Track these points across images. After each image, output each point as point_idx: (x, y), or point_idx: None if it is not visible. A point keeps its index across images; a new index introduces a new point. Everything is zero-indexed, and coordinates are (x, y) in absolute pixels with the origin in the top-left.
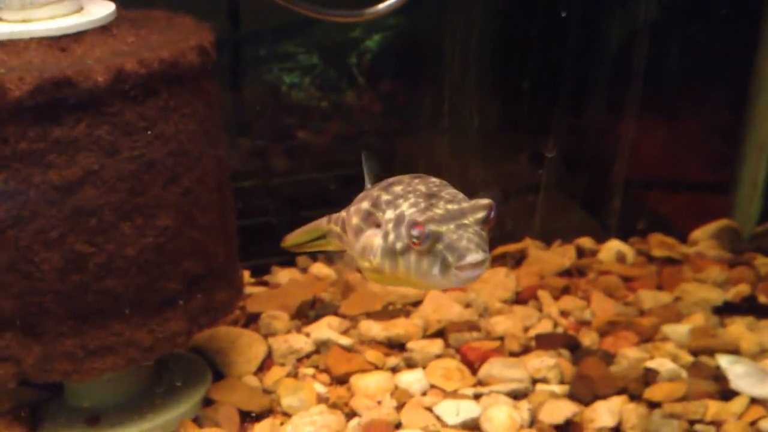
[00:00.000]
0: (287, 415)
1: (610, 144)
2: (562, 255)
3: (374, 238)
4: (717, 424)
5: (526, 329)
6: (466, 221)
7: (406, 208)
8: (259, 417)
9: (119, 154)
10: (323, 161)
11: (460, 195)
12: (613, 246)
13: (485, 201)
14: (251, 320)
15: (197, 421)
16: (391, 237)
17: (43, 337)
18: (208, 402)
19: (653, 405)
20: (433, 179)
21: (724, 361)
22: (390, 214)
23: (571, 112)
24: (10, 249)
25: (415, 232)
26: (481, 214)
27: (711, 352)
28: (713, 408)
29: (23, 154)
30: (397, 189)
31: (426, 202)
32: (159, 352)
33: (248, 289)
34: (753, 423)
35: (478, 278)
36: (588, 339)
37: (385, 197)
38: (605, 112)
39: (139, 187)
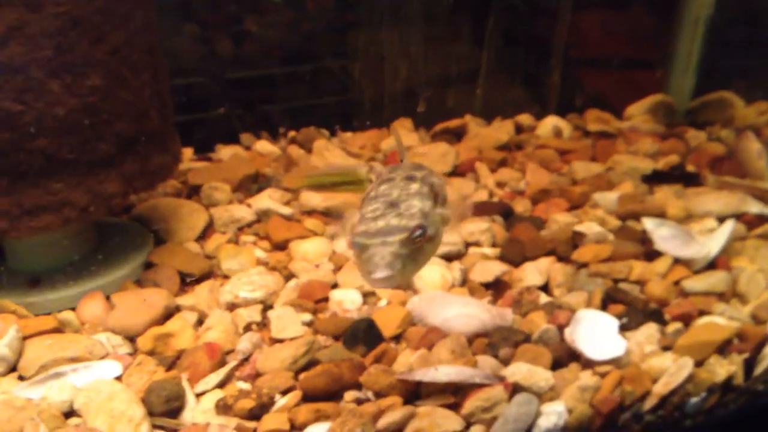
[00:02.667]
0: (227, 277)
1: (549, 24)
2: (501, 130)
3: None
4: (641, 283)
5: (464, 199)
6: (390, 239)
7: (365, 212)
8: (199, 279)
9: (43, 10)
10: (275, 55)
11: (415, 208)
12: (551, 122)
13: (414, 224)
14: (193, 192)
15: (138, 282)
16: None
17: None
18: (149, 265)
19: (580, 265)
20: (417, 177)
21: (649, 224)
22: (363, 210)
23: None
24: None
25: (351, 239)
26: (404, 236)
27: (638, 217)
28: (638, 268)
29: None
30: (381, 188)
31: (381, 212)
32: (95, 213)
33: (191, 164)
34: (676, 282)
35: (396, 285)
36: (521, 206)
37: (371, 193)
38: None
39: (66, 45)
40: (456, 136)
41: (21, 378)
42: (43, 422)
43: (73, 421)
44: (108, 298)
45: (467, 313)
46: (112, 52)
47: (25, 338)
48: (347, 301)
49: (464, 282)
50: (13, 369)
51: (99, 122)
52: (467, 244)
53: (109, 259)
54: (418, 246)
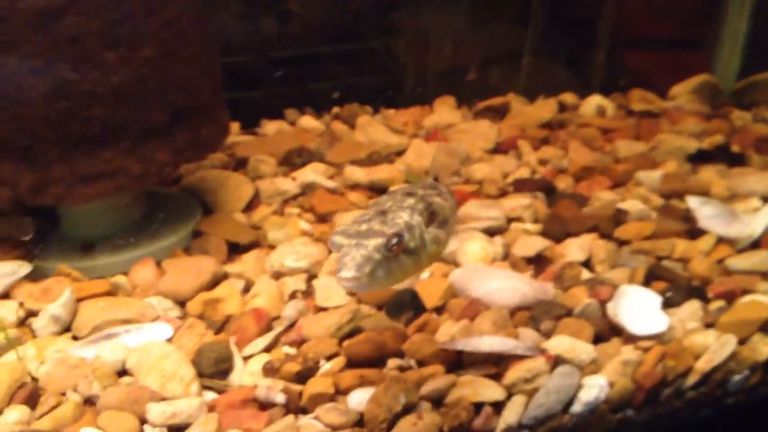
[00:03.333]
0: (272, 247)
1: (594, 4)
2: (544, 109)
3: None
4: (684, 260)
5: (505, 176)
6: (365, 242)
7: (356, 217)
8: (246, 248)
9: None
10: (319, 33)
11: (400, 219)
12: (594, 101)
13: (392, 231)
14: (240, 165)
15: (187, 250)
16: None
17: (35, 163)
18: (197, 234)
19: (622, 243)
20: (417, 194)
21: (693, 202)
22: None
23: None
24: None
25: (331, 237)
26: (379, 241)
27: (681, 196)
28: (681, 246)
29: None
30: (381, 198)
31: (368, 217)
32: (147, 181)
33: (237, 138)
34: (720, 261)
35: (365, 290)
36: (563, 183)
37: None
38: None
39: (121, 17)
40: (499, 113)
41: (75, 338)
42: (97, 380)
43: (126, 379)
44: (158, 264)
45: (509, 286)
46: (164, 25)
47: (78, 300)
48: None
49: (506, 256)
50: (67, 329)
51: (151, 93)
52: (509, 220)
53: (159, 228)
54: (393, 255)
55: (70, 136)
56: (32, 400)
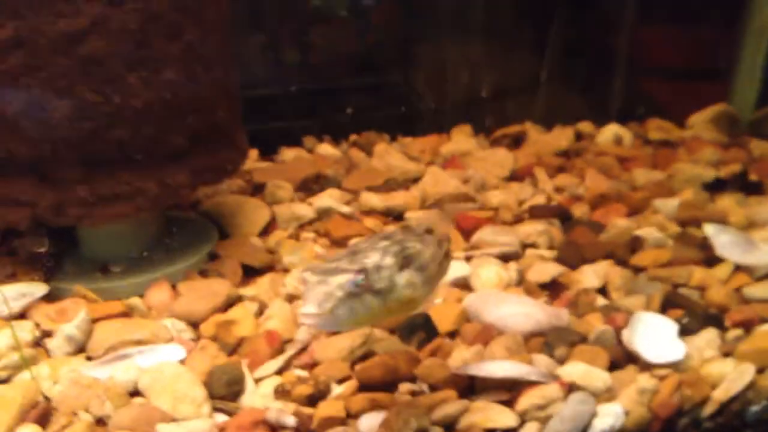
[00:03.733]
0: (287, 270)
1: (612, 34)
2: (561, 137)
3: None
4: (701, 288)
5: (521, 203)
6: (330, 279)
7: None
8: (261, 271)
9: (124, 6)
10: (339, 65)
11: (369, 259)
12: (611, 130)
13: (355, 268)
14: (257, 190)
15: (203, 273)
16: None
17: (57, 184)
18: (213, 257)
19: (639, 270)
20: (394, 238)
21: (710, 229)
22: None
23: (574, 3)
24: (23, 95)
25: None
26: (343, 278)
27: (699, 224)
28: (698, 274)
29: (34, 3)
30: (359, 241)
31: (340, 257)
32: (165, 202)
33: (255, 164)
34: (738, 289)
35: (328, 328)
36: (579, 211)
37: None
38: (606, 4)
39: (144, 40)
40: (515, 141)
41: (89, 358)
42: (109, 400)
43: (138, 400)
44: (174, 286)
45: (523, 312)
46: (186, 49)
47: (94, 321)
48: None
49: (520, 282)
50: (81, 350)
51: (172, 116)
52: (524, 246)
53: (175, 250)
54: (358, 294)
55: (91, 157)
56: (44, 420)
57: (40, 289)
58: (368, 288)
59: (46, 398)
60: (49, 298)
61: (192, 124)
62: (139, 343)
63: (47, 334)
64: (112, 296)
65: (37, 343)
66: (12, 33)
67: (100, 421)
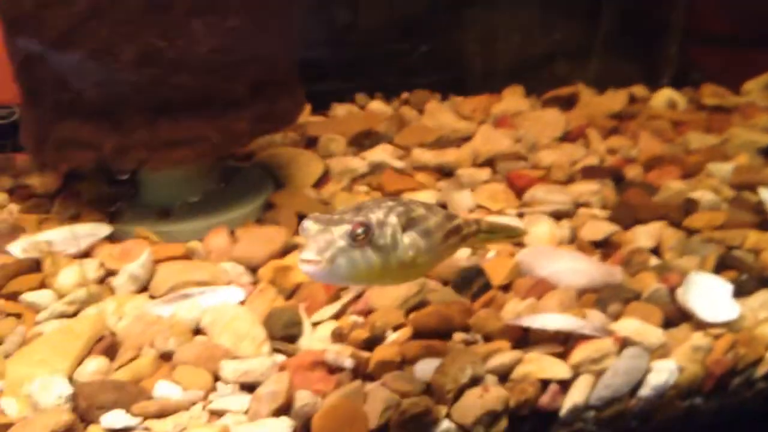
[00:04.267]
0: None
1: (667, 1)
2: (614, 100)
3: None
4: (756, 251)
5: (573, 163)
6: (333, 228)
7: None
8: None
9: None
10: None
11: (372, 214)
12: (665, 94)
13: (358, 219)
14: (310, 144)
15: (259, 221)
16: None
17: (121, 127)
18: (269, 206)
19: (692, 231)
20: (400, 201)
21: (765, 193)
22: None
23: None
24: (91, 38)
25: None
26: (345, 227)
27: (753, 188)
28: (753, 237)
29: None
30: (366, 200)
31: (346, 210)
32: (225, 149)
33: (308, 119)
34: None
35: (325, 279)
36: (633, 172)
37: None
38: None
39: None
40: (567, 103)
41: (152, 297)
42: (173, 336)
43: (199, 338)
44: (232, 232)
45: (576, 268)
46: None
47: (156, 262)
48: None
49: (573, 240)
50: (144, 288)
51: (235, 63)
52: (577, 205)
53: (233, 198)
54: (359, 245)
55: (154, 102)
56: (111, 352)
57: (104, 229)
58: (370, 242)
59: (112, 333)
60: (112, 238)
61: (253, 73)
62: (200, 284)
63: (111, 272)
64: (172, 240)
65: (102, 281)
66: None
67: (164, 356)
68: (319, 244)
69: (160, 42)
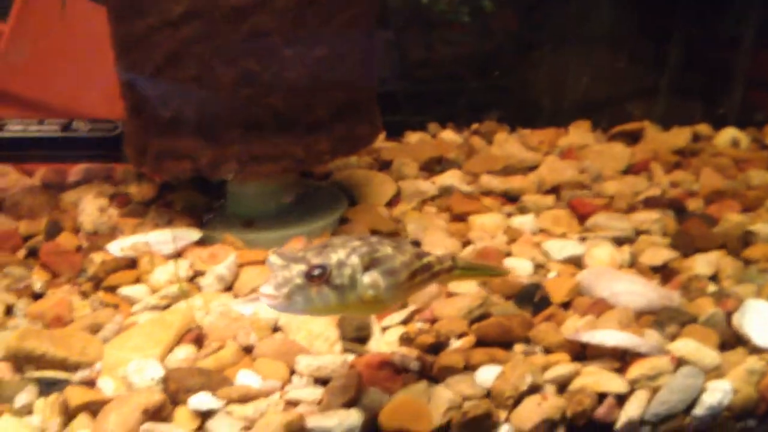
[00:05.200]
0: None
1: (732, 45)
2: (678, 136)
3: None
4: None
5: (636, 194)
6: (293, 265)
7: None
8: (387, 236)
9: None
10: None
11: (333, 254)
12: (729, 133)
13: (315, 261)
14: (384, 167)
15: (335, 234)
16: None
17: (217, 142)
18: (344, 221)
19: (750, 262)
20: (368, 240)
21: None
22: None
23: (696, 16)
24: (194, 62)
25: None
26: (302, 267)
27: None
28: None
29: None
30: (334, 238)
31: (313, 247)
32: (308, 165)
33: (383, 144)
34: None
35: (284, 310)
36: (694, 204)
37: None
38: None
39: (302, 19)
40: (632, 138)
41: (235, 296)
42: (254, 332)
43: (278, 335)
44: (310, 242)
45: (635, 290)
46: (337, 30)
47: (240, 265)
48: (520, 268)
49: (632, 264)
50: (229, 288)
51: (320, 89)
52: (637, 232)
53: (311, 212)
54: (316, 285)
55: (248, 120)
56: (198, 343)
57: (194, 234)
58: (326, 281)
59: (199, 326)
60: (201, 243)
61: (335, 98)
62: None
63: (199, 273)
64: (255, 246)
65: (191, 281)
66: (190, 5)
67: (246, 349)
68: (278, 280)
69: (256, 66)
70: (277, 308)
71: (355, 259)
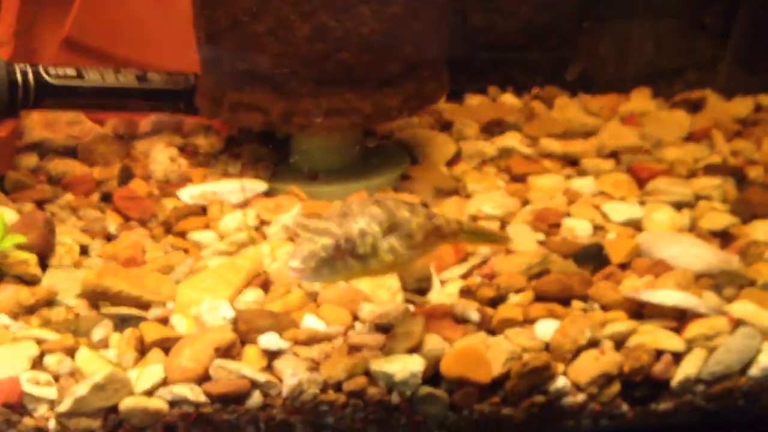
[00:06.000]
0: (470, 197)
1: None
2: (741, 106)
3: None
4: None
5: (696, 160)
6: (317, 239)
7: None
8: (447, 194)
9: None
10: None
11: (355, 225)
12: None
13: (341, 234)
14: (444, 128)
15: (395, 190)
16: None
17: (288, 95)
18: (405, 177)
19: None
20: (385, 205)
21: None
22: None
23: None
24: (272, 16)
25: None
26: (327, 241)
27: None
28: None
29: None
30: (352, 202)
31: (333, 217)
32: (376, 121)
33: (443, 105)
34: None
35: (310, 281)
36: (754, 173)
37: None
38: None
39: None
40: (694, 107)
41: None
42: None
43: (341, 283)
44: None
45: (694, 253)
46: None
47: (304, 216)
48: (579, 228)
49: (692, 228)
50: (293, 238)
51: (392, 45)
52: (697, 197)
53: (373, 168)
54: (340, 256)
55: (320, 74)
56: (265, 287)
57: (261, 185)
58: (350, 252)
59: (265, 272)
60: (267, 194)
61: (407, 55)
62: None
63: (265, 222)
64: (318, 199)
65: (257, 229)
66: None
67: (310, 295)
68: (304, 254)
69: (331, 22)
70: (305, 279)
71: (375, 227)
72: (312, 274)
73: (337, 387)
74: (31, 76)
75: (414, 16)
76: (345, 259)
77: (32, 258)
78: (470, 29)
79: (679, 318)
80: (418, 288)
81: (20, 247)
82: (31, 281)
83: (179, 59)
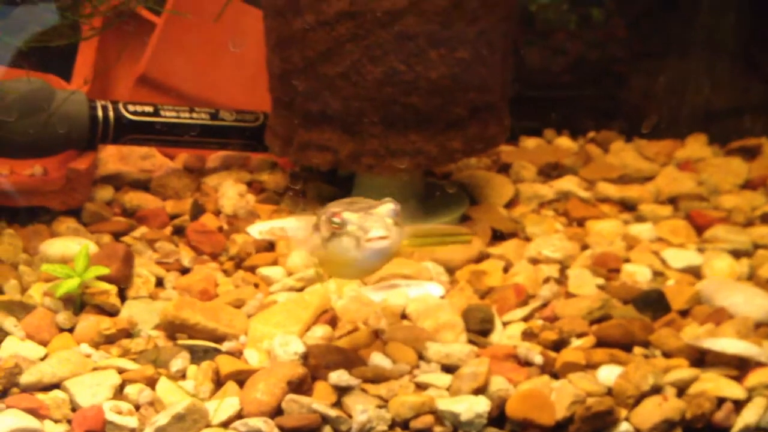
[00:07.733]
0: (529, 239)
1: None
2: None
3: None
4: None
5: (754, 209)
6: (376, 210)
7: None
8: (507, 236)
9: None
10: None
11: (385, 204)
12: None
13: (393, 203)
14: (503, 169)
15: None
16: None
17: (357, 136)
18: (465, 218)
19: None
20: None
21: None
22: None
23: None
24: (344, 59)
25: (335, 219)
26: (390, 206)
27: None
28: None
29: None
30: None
31: (357, 207)
32: (440, 163)
33: (500, 148)
34: None
35: (388, 255)
36: None
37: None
38: None
39: (448, 22)
40: (750, 154)
41: (365, 284)
42: (385, 317)
43: (406, 322)
44: None
45: (755, 301)
46: (479, 33)
47: None
48: (638, 274)
49: (751, 277)
50: None
51: (458, 89)
52: (756, 246)
53: (435, 209)
54: (398, 224)
55: (388, 117)
56: (333, 324)
57: None
58: (396, 223)
59: (332, 309)
60: None
61: (472, 98)
62: (405, 277)
63: None
64: None
65: None
66: (347, 6)
67: (376, 333)
68: (380, 223)
69: (401, 66)
70: (388, 248)
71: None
72: (394, 238)
73: (405, 425)
74: (111, 112)
75: (481, 61)
76: (400, 227)
77: (113, 289)
78: (525, 69)
79: (740, 366)
80: (481, 329)
81: (101, 278)
82: (111, 312)
83: (248, 99)
